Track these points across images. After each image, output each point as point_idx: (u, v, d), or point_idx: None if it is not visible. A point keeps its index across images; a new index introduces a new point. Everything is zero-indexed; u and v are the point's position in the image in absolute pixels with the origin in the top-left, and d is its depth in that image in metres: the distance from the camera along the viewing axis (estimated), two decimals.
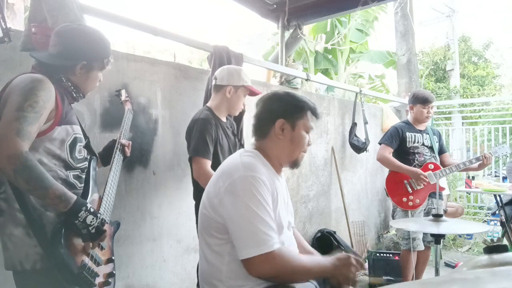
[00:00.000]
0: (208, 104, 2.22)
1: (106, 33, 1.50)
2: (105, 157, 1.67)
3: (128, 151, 1.73)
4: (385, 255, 3.52)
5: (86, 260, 1.30)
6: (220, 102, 2.18)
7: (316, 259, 1.35)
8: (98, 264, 1.36)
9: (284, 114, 1.39)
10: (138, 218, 2.23)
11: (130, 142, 1.75)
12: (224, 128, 2.19)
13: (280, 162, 1.44)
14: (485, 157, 3.03)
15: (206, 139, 2.02)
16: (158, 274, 2.33)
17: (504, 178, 5.15)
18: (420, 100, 3.11)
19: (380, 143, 3.20)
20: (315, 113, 1.45)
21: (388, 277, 3.41)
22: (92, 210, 1.28)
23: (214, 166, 1.98)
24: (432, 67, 12.44)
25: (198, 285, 2.12)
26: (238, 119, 2.47)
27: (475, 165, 3.09)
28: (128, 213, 2.15)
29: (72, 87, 1.42)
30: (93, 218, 1.26)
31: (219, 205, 1.28)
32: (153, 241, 2.31)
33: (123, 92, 1.94)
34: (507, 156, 3.52)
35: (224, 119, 2.22)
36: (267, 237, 1.21)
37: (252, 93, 2.22)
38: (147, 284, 2.27)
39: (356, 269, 1.28)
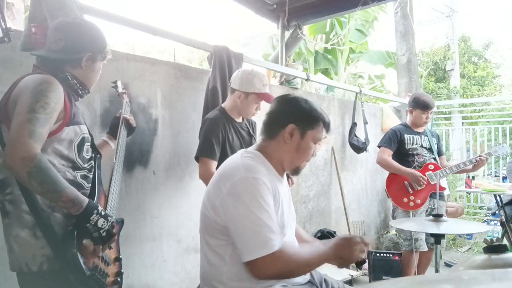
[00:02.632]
0: (223, 104, 2.25)
1: (106, 33, 1.50)
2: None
3: (133, 123, 1.78)
4: (385, 255, 3.52)
5: (97, 261, 1.31)
6: (232, 105, 2.19)
7: (316, 249, 1.32)
8: (107, 264, 1.37)
9: (297, 120, 1.38)
10: (138, 218, 2.23)
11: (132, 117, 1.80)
12: (236, 128, 2.19)
13: (282, 165, 1.44)
14: (481, 159, 3.05)
15: (211, 140, 2.03)
16: (158, 274, 2.33)
17: (504, 178, 5.15)
18: (420, 105, 3.10)
19: (379, 146, 3.20)
20: (327, 128, 1.44)
21: (388, 277, 3.41)
22: (103, 213, 1.27)
23: None
24: (432, 67, 12.43)
25: None
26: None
27: (470, 166, 3.11)
28: (128, 213, 2.15)
29: (78, 84, 1.42)
30: (104, 221, 1.26)
31: (221, 207, 1.28)
32: (153, 241, 2.31)
33: (119, 83, 1.90)
34: (507, 156, 3.52)
35: (238, 119, 2.23)
36: (268, 239, 1.22)
37: (267, 100, 2.15)
38: (147, 284, 2.27)
39: (361, 247, 1.26)
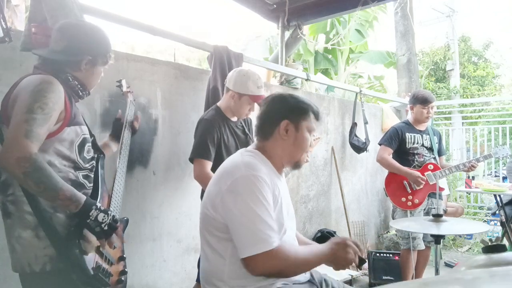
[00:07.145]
0: (219, 103, 2.25)
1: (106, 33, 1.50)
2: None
3: (136, 126, 1.83)
4: (385, 255, 3.52)
5: (100, 261, 1.31)
6: (227, 104, 2.19)
7: (313, 249, 1.35)
8: (111, 263, 1.38)
9: (289, 115, 1.41)
10: (138, 218, 2.23)
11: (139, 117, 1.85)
12: (231, 128, 2.19)
13: (282, 163, 1.45)
14: (472, 166, 3.07)
15: (206, 141, 2.03)
16: (158, 274, 2.33)
17: (504, 178, 5.15)
18: (419, 101, 3.11)
19: (380, 144, 3.20)
20: (317, 116, 1.46)
21: (388, 277, 3.41)
22: (102, 208, 1.29)
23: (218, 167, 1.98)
24: (432, 67, 12.43)
25: (197, 279, 2.13)
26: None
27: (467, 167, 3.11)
28: (128, 213, 2.14)
29: (79, 85, 1.42)
30: (104, 216, 1.27)
31: (221, 204, 1.29)
32: (153, 241, 2.31)
33: (123, 82, 1.91)
34: (508, 157, 3.52)
35: (233, 118, 2.23)
36: (267, 236, 1.22)
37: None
38: (147, 284, 2.27)
39: (354, 250, 1.29)
